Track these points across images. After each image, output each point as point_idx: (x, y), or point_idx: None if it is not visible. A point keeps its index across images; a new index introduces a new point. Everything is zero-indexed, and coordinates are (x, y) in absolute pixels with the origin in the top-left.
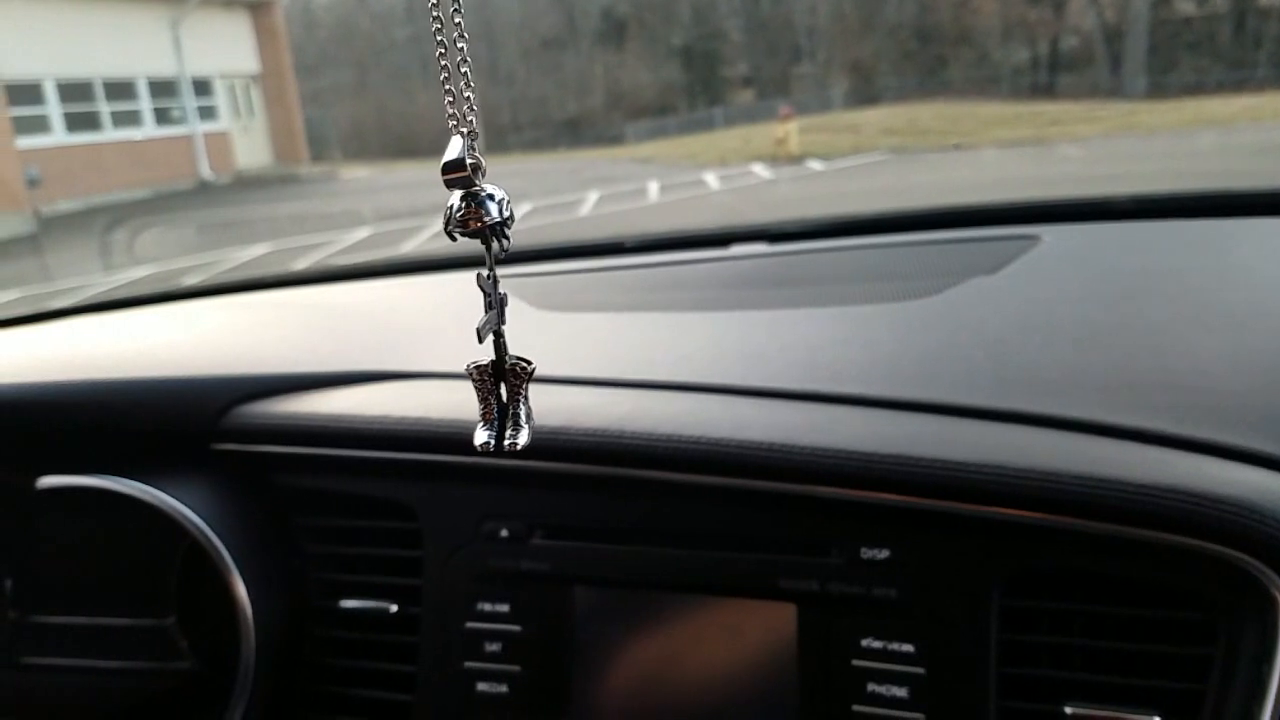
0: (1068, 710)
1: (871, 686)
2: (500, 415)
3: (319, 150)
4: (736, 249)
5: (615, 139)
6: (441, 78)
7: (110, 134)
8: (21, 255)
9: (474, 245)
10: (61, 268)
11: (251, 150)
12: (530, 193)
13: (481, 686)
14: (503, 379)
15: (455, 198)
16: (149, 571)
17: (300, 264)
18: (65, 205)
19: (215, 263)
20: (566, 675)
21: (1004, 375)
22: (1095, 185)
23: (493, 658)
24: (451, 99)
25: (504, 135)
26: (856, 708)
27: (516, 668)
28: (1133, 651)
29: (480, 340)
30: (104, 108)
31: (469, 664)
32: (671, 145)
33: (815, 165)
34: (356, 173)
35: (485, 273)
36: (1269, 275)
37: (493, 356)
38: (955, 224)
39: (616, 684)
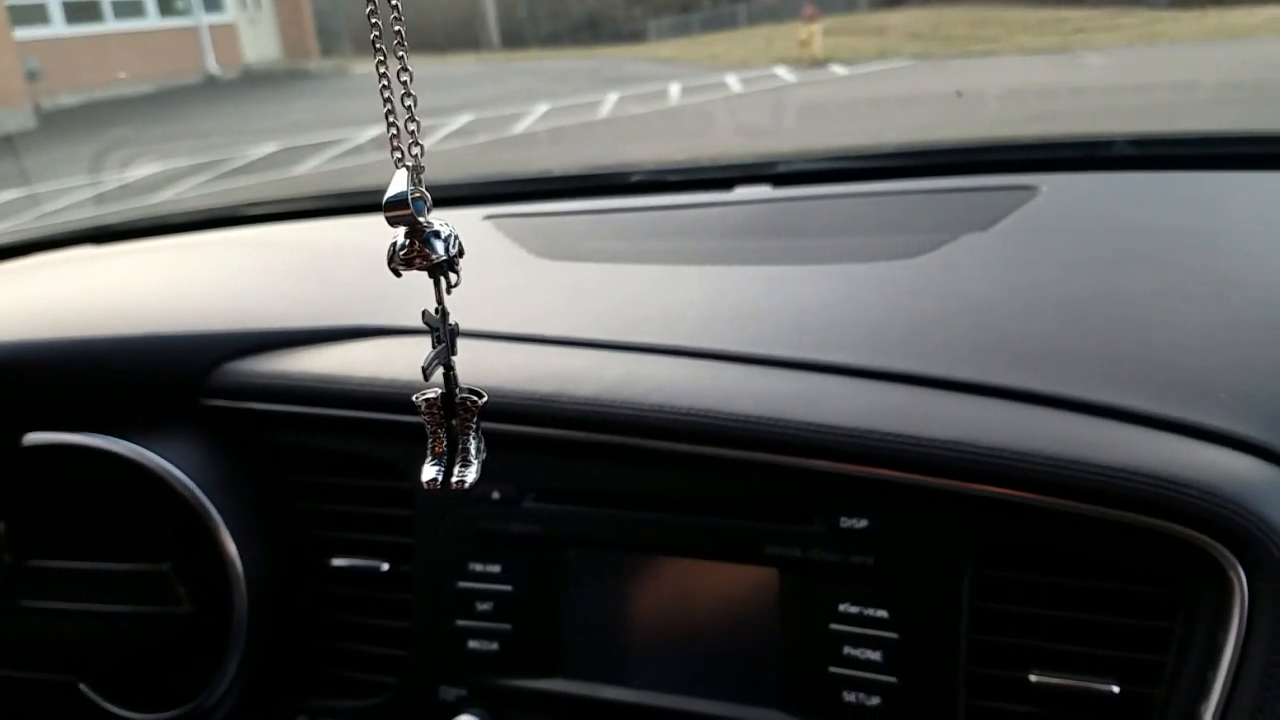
0: (1032, 678)
1: (847, 649)
2: (449, 450)
3: (329, 44)
4: (740, 191)
5: (637, 36)
6: (385, 110)
7: (112, 25)
8: (22, 151)
9: (473, 173)
10: (62, 165)
11: (259, 44)
12: (549, 93)
13: (473, 644)
14: (452, 413)
15: (400, 234)
16: (142, 520)
17: (310, 163)
18: (67, 100)
19: (222, 160)
20: (556, 634)
21: (985, 345)
22: (1112, 96)
23: (484, 616)
24: (395, 133)
25: (521, 31)
26: (833, 669)
27: (507, 626)
28: (1095, 622)
29: (426, 378)
30: None
31: (460, 622)
32: (693, 44)
33: (839, 70)
34: (368, 68)
35: (434, 309)
36: (1255, 239)
37: (442, 390)
38: (961, 164)
39: (605, 643)
